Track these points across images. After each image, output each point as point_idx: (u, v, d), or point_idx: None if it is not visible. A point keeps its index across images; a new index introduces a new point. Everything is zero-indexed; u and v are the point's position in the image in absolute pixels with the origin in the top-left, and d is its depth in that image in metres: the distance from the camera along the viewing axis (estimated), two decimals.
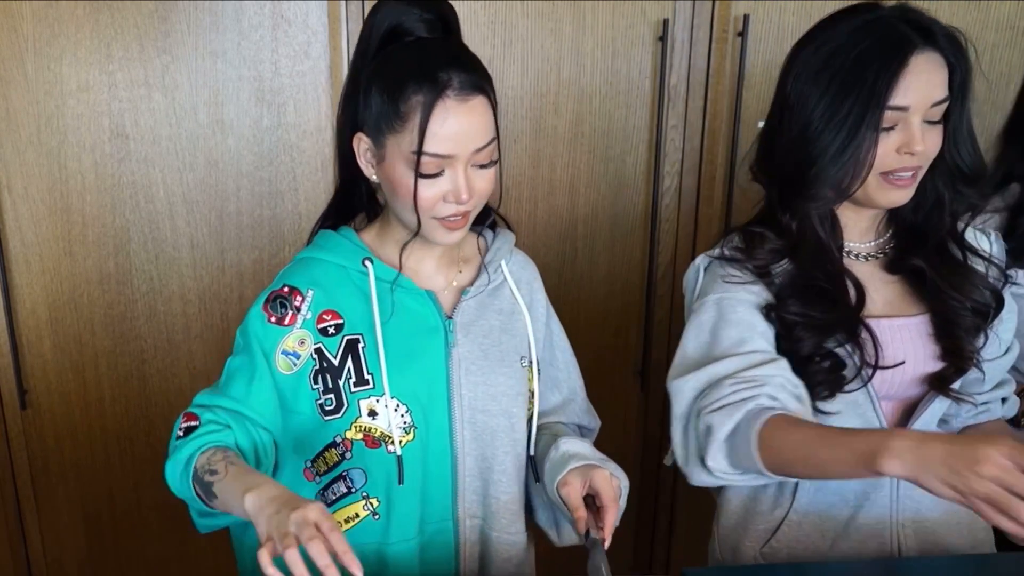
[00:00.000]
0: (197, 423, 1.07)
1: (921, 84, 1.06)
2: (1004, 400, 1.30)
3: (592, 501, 1.10)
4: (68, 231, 1.88)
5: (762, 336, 1.14)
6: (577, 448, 1.15)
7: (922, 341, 1.19)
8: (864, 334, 1.16)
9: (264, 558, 0.85)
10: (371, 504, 1.14)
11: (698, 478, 1.13)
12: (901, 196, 1.13)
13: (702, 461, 1.10)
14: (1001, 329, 1.24)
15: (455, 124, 1.01)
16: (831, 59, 1.09)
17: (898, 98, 1.06)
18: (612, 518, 1.06)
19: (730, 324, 1.15)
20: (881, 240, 1.24)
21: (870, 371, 1.14)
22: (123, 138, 1.83)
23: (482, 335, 1.16)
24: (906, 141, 1.08)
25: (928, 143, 1.09)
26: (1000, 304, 1.20)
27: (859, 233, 1.23)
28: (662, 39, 1.85)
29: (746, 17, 1.83)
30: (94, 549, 2.12)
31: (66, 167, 1.84)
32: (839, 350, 1.16)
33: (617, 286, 2.04)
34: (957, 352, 1.17)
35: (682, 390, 1.14)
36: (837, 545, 1.20)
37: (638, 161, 1.96)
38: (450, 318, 1.15)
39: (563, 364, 1.28)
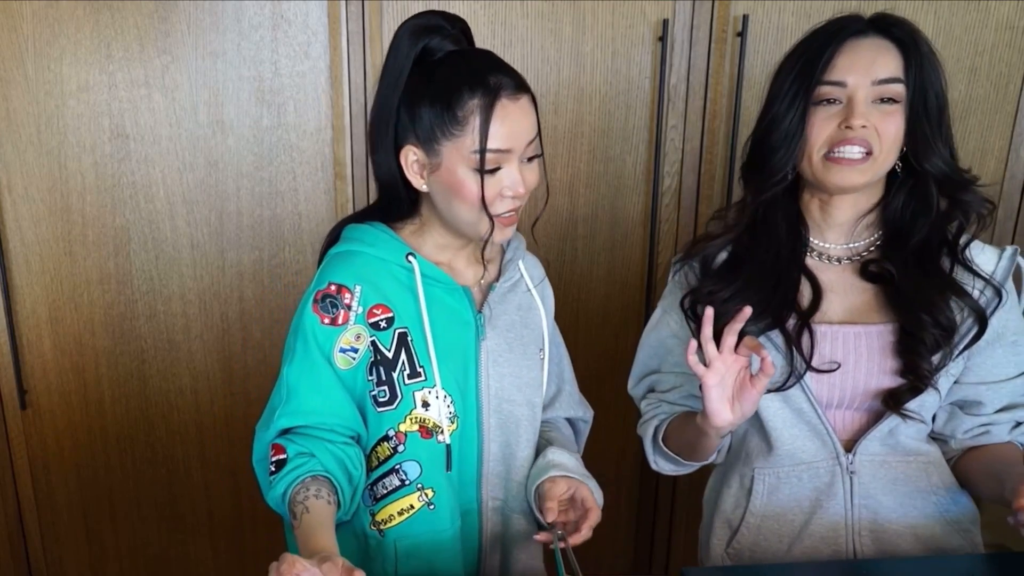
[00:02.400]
0: (285, 456, 1.11)
1: (861, 61, 1.10)
2: (1019, 424, 1.22)
3: (562, 508, 1.18)
4: (68, 231, 1.89)
5: (675, 359, 1.29)
6: (563, 460, 1.22)
7: (879, 353, 1.17)
8: (803, 335, 1.17)
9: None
10: (426, 495, 1.18)
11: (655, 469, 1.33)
12: (850, 177, 1.13)
13: None
14: (998, 350, 1.19)
15: (511, 121, 1.09)
16: (792, 52, 1.17)
17: (833, 73, 1.11)
18: (593, 520, 1.14)
19: (658, 345, 1.32)
20: (858, 244, 1.22)
21: (799, 373, 1.16)
22: (123, 138, 1.83)
23: (506, 328, 1.22)
24: (846, 116, 1.11)
25: (877, 123, 1.10)
26: (982, 325, 1.15)
27: (831, 233, 1.22)
28: (662, 39, 1.85)
29: (745, 17, 1.83)
30: (94, 549, 2.13)
31: (66, 167, 1.84)
32: (765, 344, 1.17)
33: (617, 286, 2.04)
34: (912, 370, 1.15)
35: (634, 396, 1.39)
36: (794, 549, 1.22)
37: (638, 161, 1.96)
38: (480, 312, 1.20)
39: (556, 357, 1.34)
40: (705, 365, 1.09)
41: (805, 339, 1.16)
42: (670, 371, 1.30)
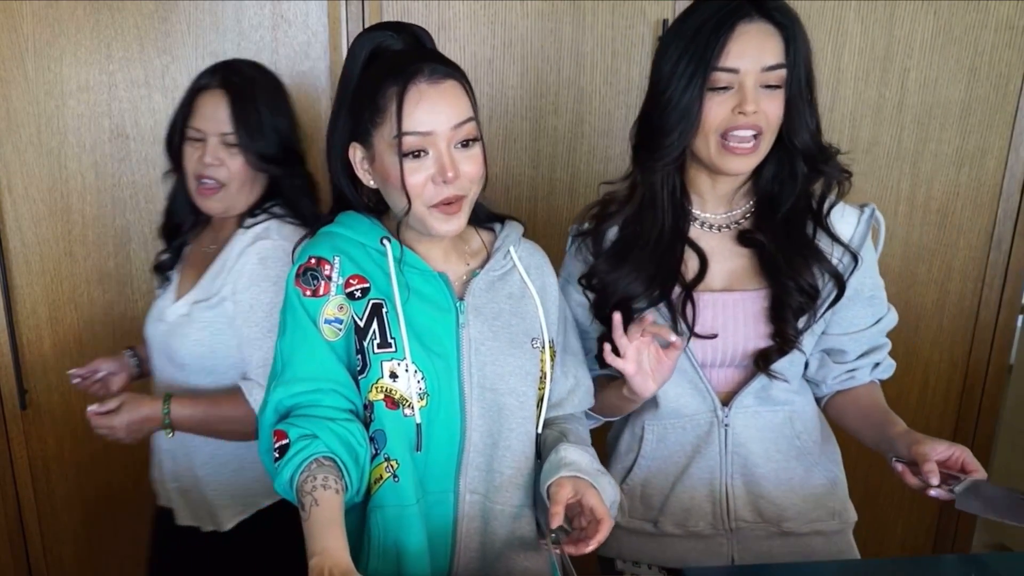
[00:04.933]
0: (287, 440, 1.11)
1: (750, 49, 1.17)
2: (877, 364, 1.36)
3: (573, 514, 1.15)
4: (68, 231, 1.89)
5: (579, 329, 1.36)
6: (575, 457, 1.19)
7: (753, 318, 1.28)
8: (686, 305, 1.27)
9: None
10: (392, 466, 1.17)
11: None
12: (741, 163, 1.21)
13: None
14: (857, 304, 1.31)
15: (428, 103, 1.09)
16: (680, 29, 1.22)
17: (727, 60, 1.17)
18: (605, 532, 1.11)
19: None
20: (735, 212, 1.31)
21: (684, 339, 1.25)
22: (123, 138, 1.84)
23: (492, 317, 1.21)
24: (739, 101, 1.17)
25: (765, 106, 1.18)
26: (840, 290, 1.26)
27: (713, 203, 1.30)
28: (662, 39, 1.85)
29: None
30: (94, 548, 2.13)
31: (66, 167, 1.84)
32: (654, 316, 1.26)
33: None
34: (780, 334, 1.27)
35: None
36: (677, 487, 1.36)
37: None
38: (461, 300, 1.19)
39: (571, 349, 1.32)
40: (618, 355, 1.20)
41: (689, 308, 1.27)
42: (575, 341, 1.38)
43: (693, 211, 1.31)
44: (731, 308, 1.29)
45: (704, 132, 1.20)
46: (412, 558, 1.17)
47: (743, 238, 1.30)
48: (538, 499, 1.22)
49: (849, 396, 1.38)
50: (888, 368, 1.38)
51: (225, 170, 1.44)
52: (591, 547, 1.10)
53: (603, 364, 1.25)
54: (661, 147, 1.22)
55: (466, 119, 1.12)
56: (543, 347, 1.24)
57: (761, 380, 1.30)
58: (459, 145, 1.12)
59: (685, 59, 1.18)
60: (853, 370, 1.36)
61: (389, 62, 1.13)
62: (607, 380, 1.34)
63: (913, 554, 2.30)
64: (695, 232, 1.30)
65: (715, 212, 1.31)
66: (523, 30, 1.85)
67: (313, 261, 1.18)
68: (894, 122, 1.99)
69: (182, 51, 1.80)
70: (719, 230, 1.31)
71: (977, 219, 2.08)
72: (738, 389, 1.33)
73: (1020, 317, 2.24)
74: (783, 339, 1.27)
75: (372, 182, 1.17)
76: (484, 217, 1.26)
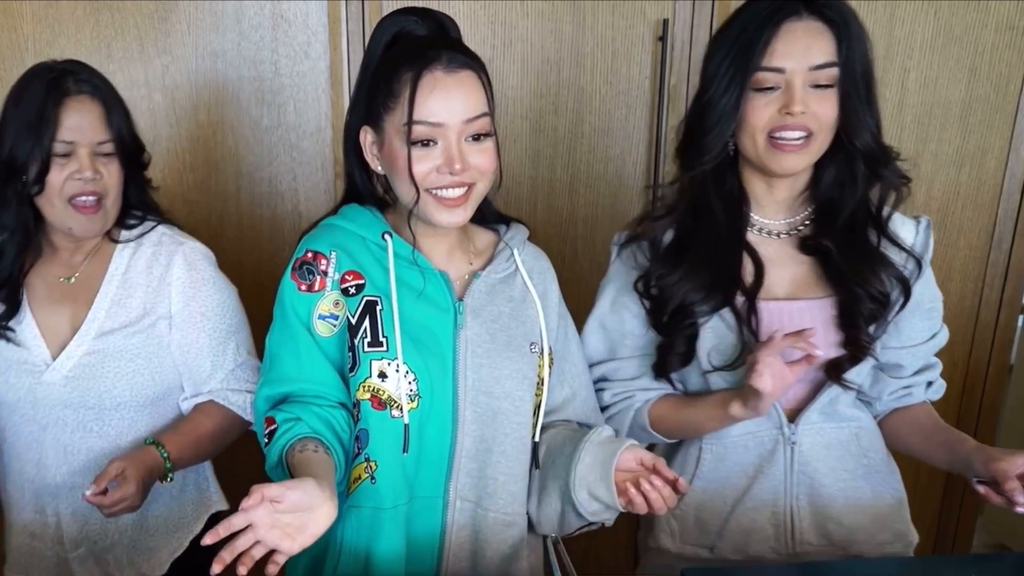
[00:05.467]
0: (276, 426, 1.12)
1: (797, 48, 1.13)
2: (931, 384, 1.32)
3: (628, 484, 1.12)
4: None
5: (636, 341, 1.30)
6: (608, 433, 1.19)
7: (822, 325, 1.22)
8: (751, 314, 1.21)
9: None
10: (370, 467, 1.15)
11: None
12: (791, 162, 1.17)
13: None
14: (916, 316, 1.26)
15: (443, 93, 1.07)
16: (727, 31, 1.18)
17: (772, 59, 1.13)
18: (663, 466, 1.10)
19: (613, 330, 1.31)
20: (795, 218, 1.26)
21: (749, 351, 1.19)
22: None
23: (491, 320, 1.19)
24: (786, 102, 1.14)
25: (815, 106, 1.14)
26: (907, 296, 1.22)
27: (772, 209, 1.26)
28: (662, 39, 1.85)
29: None
30: None
31: None
32: (716, 324, 1.22)
33: None
34: (853, 341, 1.21)
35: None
36: (736, 510, 1.29)
37: (638, 161, 1.96)
38: (461, 300, 1.17)
39: (571, 358, 1.29)
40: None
41: (753, 318, 1.22)
42: (630, 357, 1.31)
43: (752, 216, 1.26)
44: (797, 317, 1.23)
45: (750, 132, 1.17)
46: (383, 564, 1.15)
47: (806, 245, 1.25)
48: (565, 495, 1.16)
49: (907, 416, 1.32)
50: (940, 388, 1.33)
51: (103, 183, 1.29)
52: (679, 481, 1.08)
53: (660, 374, 1.25)
54: (700, 146, 1.20)
55: (480, 113, 1.09)
56: (541, 353, 1.22)
57: (829, 394, 1.25)
58: (470, 138, 1.09)
59: (728, 59, 1.15)
60: (909, 386, 1.31)
61: (408, 47, 1.11)
62: (674, 398, 1.29)
63: (913, 554, 2.30)
64: (753, 238, 1.26)
65: (774, 218, 1.26)
66: (523, 30, 1.85)
67: (310, 255, 1.17)
68: (894, 122, 1.99)
69: (182, 51, 1.80)
70: (778, 236, 1.26)
71: (977, 219, 2.08)
72: (804, 405, 1.26)
73: (1020, 317, 2.24)
74: (856, 346, 1.21)
75: (380, 168, 1.15)
76: (491, 217, 1.25)
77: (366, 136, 1.14)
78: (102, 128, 1.28)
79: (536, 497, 1.22)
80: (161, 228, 1.38)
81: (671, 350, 1.25)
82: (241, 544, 0.91)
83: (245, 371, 1.41)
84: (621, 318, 1.30)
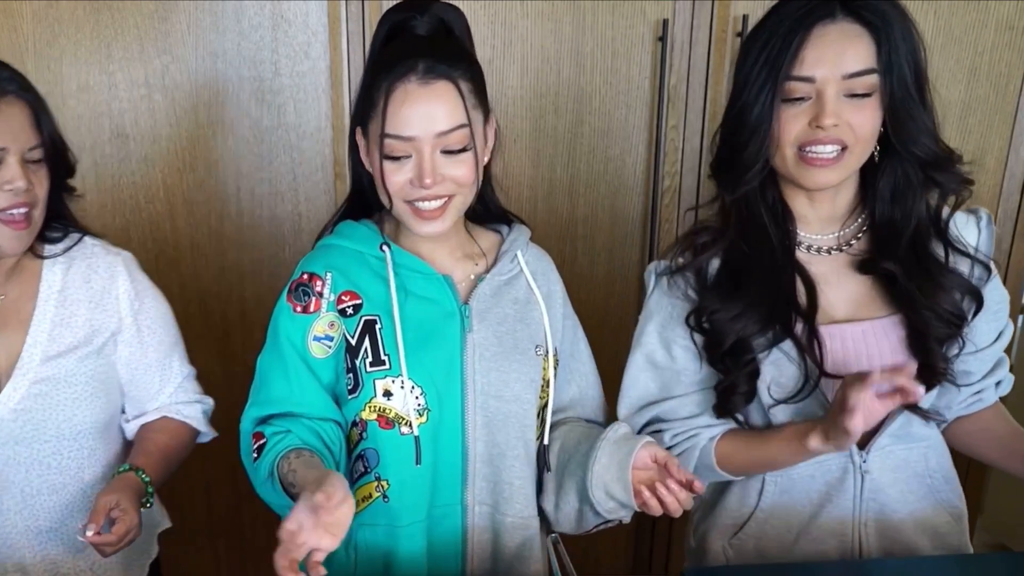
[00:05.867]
0: (264, 440, 1.11)
1: (829, 53, 1.04)
2: (999, 382, 1.25)
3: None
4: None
5: (692, 377, 1.21)
6: (625, 429, 1.17)
7: (890, 348, 1.14)
8: (812, 341, 1.11)
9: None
10: (382, 486, 1.15)
11: None
12: (824, 177, 1.08)
13: None
14: (983, 320, 1.18)
15: (415, 106, 1.05)
16: (759, 33, 1.09)
17: (802, 68, 1.04)
18: (675, 464, 1.07)
19: (665, 367, 1.22)
20: (846, 231, 1.18)
21: (814, 382, 1.11)
22: (123, 138, 1.84)
23: (497, 322, 1.18)
24: (816, 113, 1.05)
25: (850, 117, 1.05)
26: (979, 304, 1.15)
27: (819, 224, 1.18)
28: (662, 39, 1.85)
29: (745, 17, 1.83)
30: None
31: None
32: (776, 356, 1.13)
33: (617, 286, 2.04)
34: (929, 367, 1.11)
35: (630, 425, 1.22)
36: (800, 540, 1.22)
37: (638, 161, 1.96)
38: (466, 304, 1.17)
39: (578, 356, 1.29)
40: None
41: (815, 345, 1.12)
42: (687, 393, 1.21)
43: (800, 234, 1.17)
44: (862, 340, 1.14)
45: (780, 147, 1.08)
46: (405, 571, 1.15)
47: (865, 267, 1.15)
48: (582, 493, 1.15)
49: (978, 423, 1.24)
50: (1009, 383, 1.25)
51: (34, 193, 1.15)
52: (694, 481, 1.06)
53: (723, 415, 1.17)
54: (739, 165, 1.11)
55: (456, 126, 1.07)
56: (546, 354, 1.22)
57: (902, 419, 1.15)
58: (445, 151, 1.08)
59: (758, 66, 1.06)
60: (979, 391, 1.22)
61: (393, 52, 1.09)
62: (741, 434, 1.20)
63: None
64: (803, 256, 1.16)
65: (822, 233, 1.17)
66: (523, 30, 1.85)
67: (305, 277, 1.16)
68: None
69: (182, 51, 1.80)
70: (828, 253, 1.17)
71: None
72: (875, 429, 1.16)
73: (1020, 317, 2.24)
74: (933, 372, 1.11)
75: (372, 169, 1.15)
76: (495, 213, 1.24)
77: (360, 138, 1.15)
78: (32, 132, 1.14)
79: (554, 496, 1.22)
80: (88, 239, 1.27)
81: (734, 390, 1.16)
82: (299, 554, 0.91)
83: (190, 382, 1.36)
84: (672, 354, 1.21)
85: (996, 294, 1.19)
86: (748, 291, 1.13)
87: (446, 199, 1.10)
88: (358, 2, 1.80)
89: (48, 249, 1.24)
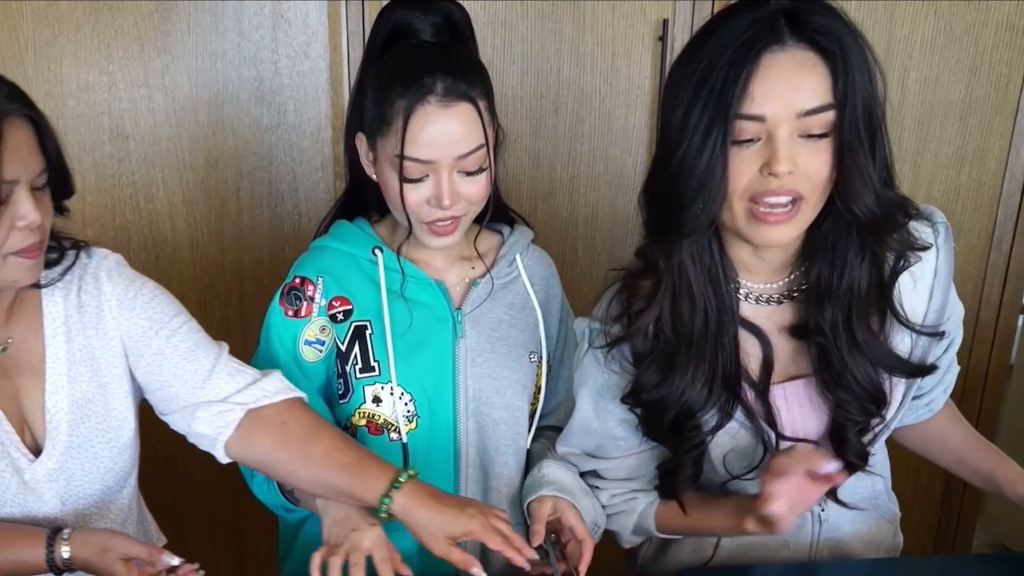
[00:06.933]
0: None
1: (780, 88, 0.86)
2: (947, 388, 1.18)
3: (555, 533, 1.12)
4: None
5: (630, 442, 1.12)
6: (558, 475, 1.14)
7: (819, 406, 1.05)
8: (764, 405, 1.02)
9: (316, 560, 0.97)
10: None
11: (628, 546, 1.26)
12: (776, 235, 0.92)
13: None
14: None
15: (436, 130, 1.02)
16: (691, 64, 0.90)
17: (751, 105, 0.86)
18: (589, 553, 1.07)
19: (600, 434, 1.13)
20: (792, 277, 1.03)
21: (772, 448, 1.04)
22: (123, 138, 1.83)
23: (490, 328, 1.18)
24: (767, 158, 0.88)
25: (806, 163, 0.88)
26: (926, 370, 1.03)
27: (766, 273, 1.03)
28: (662, 39, 1.85)
29: None
30: None
31: None
32: (728, 425, 1.03)
33: None
34: (848, 462, 1.03)
35: (578, 465, 1.19)
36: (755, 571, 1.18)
37: (638, 161, 1.96)
38: (459, 309, 1.16)
39: (571, 364, 1.27)
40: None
41: (765, 409, 1.03)
42: (624, 456, 1.14)
43: (743, 283, 1.03)
44: (806, 399, 1.05)
45: (729, 199, 0.91)
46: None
47: (797, 332, 1.03)
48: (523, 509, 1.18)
49: (932, 430, 1.20)
50: (954, 375, 1.17)
51: (44, 227, 1.03)
52: (582, 571, 1.05)
53: (668, 496, 1.10)
54: (681, 223, 0.93)
55: (474, 148, 1.05)
56: (540, 361, 1.21)
57: (848, 487, 1.10)
58: (462, 172, 1.06)
59: (699, 104, 0.88)
60: (929, 402, 1.18)
61: (406, 61, 1.05)
62: (683, 498, 1.12)
63: (913, 554, 2.30)
64: (748, 311, 1.03)
65: (769, 281, 1.03)
66: (523, 30, 1.85)
67: (297, 281, 1.16)
68: (894, 122, 1.98)
69: (182, 51, 1.80)
70: (777, 302, 1.04)
71: (977, 219, 2.08)
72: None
73: (1020, 317, 2.24)
74: (850, 466, 1.03)
75: (374, 176, 1.13)
76: (497, 211, 1.22)
77: (361, 144, 1.12)
78: (39, 156, 0.99)
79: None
80: (80, 255, 1.14)
81: (678, 473, 1.07)
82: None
83: (233, 361, 1.13)
84: (606, 424, 1.11)
85: (951, 324, 1.08)
86: (687, 359, 1.00)
87: (458, 216, 1.10)
88: (358, 2, 1.80)
89: (45, 276, 1.08)
